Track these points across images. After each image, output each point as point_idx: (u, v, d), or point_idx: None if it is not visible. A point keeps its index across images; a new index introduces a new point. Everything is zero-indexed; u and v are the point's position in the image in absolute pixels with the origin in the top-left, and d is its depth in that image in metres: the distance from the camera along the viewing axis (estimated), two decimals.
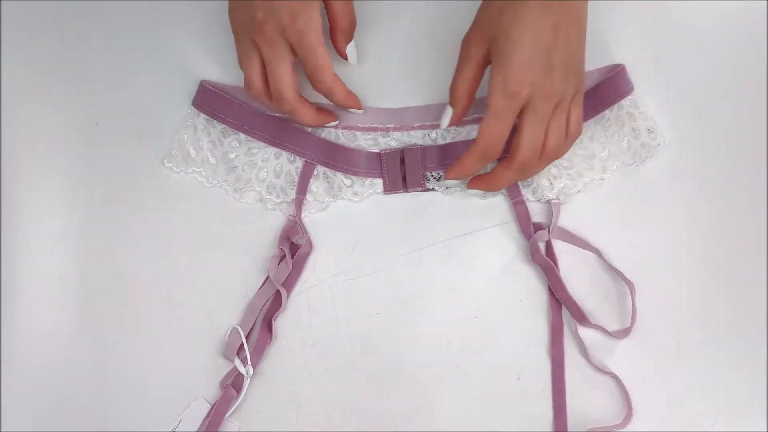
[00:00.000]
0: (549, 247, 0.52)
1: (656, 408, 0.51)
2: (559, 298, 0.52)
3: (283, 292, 0.51)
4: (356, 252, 0.53)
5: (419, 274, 0.52)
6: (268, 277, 0.52)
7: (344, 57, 0.51)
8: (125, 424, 0.51)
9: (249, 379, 0.50)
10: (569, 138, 0.47)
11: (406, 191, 0.53)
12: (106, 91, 0.54)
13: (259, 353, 0.51)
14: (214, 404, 0.51)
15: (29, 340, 0.52)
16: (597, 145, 0.52)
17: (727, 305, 0.52)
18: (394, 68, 0.54)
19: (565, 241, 0.52)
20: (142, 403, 0.51)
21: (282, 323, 0.52)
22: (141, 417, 0.51)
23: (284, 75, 0.47)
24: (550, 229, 0.52)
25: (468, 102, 0.48)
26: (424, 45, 0.54)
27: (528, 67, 0.44)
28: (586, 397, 0.51)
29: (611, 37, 0.53)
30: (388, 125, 0.53)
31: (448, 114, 0.48)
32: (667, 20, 0.54)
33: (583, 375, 0.51)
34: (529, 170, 0.47)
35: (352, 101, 0.51)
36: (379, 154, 0.52)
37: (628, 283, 0.51)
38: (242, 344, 0.51)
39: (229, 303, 0.52)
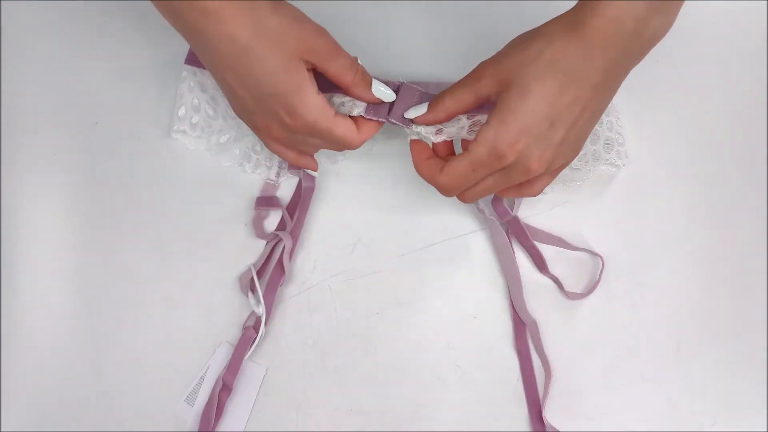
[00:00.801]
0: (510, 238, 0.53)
1: (656, 408, 0.51)
2: (523, 247, 0.52)
3: (288, 241, 0.51)
4: (356, 252, 0.53)
5: (419, 274, 0.52)
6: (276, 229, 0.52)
7: (376, 102, 0.45)
8: (125, 424, 0.51)
9: (264, 317, 0.50)
10: (520, 194, 0.45)
11: (388, 120, 0.46)
12: (105, 91, 0.54)
13: (272, 292, 0.51)
14: (236, 346, 0.51)
15: (29, 340, 0.52)
16: None
17: (727, 305, 0.52)
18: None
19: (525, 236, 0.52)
20: (142, 402, 0.51)
21: (282, 323, 0.52)
22: (141, 416, 0.51)
23: (316, 144, 0.45)
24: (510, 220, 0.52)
25: (444, 120, 0.44)
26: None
27: (526, 134, 0.39)
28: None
29: None
30: None
31: (420, 111, 0.44)
32: None
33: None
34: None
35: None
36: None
37: (599, 256, 0.52)
38: (256, 286, 0.51)
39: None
